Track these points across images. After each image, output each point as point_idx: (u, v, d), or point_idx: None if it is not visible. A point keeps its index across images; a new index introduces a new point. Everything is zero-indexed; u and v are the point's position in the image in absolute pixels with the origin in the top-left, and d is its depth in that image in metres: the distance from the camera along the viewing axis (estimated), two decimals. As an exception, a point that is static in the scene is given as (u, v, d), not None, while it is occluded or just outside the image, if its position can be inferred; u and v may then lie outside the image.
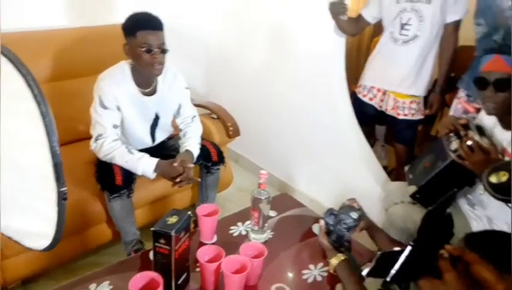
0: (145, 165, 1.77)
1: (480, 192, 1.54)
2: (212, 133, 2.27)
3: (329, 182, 2.46)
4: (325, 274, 1.39)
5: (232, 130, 2.31)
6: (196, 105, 2.12)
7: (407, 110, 2.20)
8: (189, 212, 1.28)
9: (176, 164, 1.77)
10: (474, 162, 1.44)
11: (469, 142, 1.46)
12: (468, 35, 1.91)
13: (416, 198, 1.69)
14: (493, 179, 1.27)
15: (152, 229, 1.19)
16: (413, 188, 1.69)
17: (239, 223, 1.63)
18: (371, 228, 1.36)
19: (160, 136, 2.04)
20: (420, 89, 2.16)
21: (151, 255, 1.32)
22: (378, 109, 2.29)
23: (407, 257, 0.74)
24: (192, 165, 1.84)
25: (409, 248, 0.74)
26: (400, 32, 2.09)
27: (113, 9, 2.46)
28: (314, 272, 1.41)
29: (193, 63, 2.95)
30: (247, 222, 1.61)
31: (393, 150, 2.47)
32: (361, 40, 3.36)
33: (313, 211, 1.78)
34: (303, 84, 2.44)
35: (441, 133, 1.64)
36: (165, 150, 2.02)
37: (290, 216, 1.72)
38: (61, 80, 2.16)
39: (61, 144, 0.81)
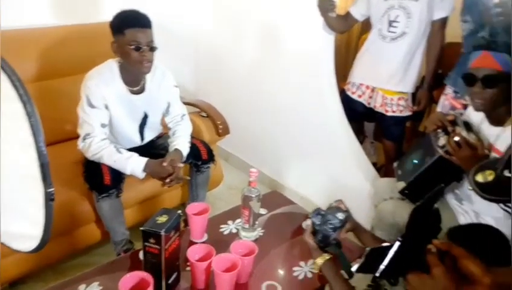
0: (134, 165, 1.76)
1: (468, 187, 1.56)
2: (202, 132, 2.26)
3: (319, 179, 2.47)
4: (316, 271, 1.39)
5: (221, 128, 2.31)
6: (185, 103, 2.11)
7: (396, 107, 2.21)
8: (179, 211, 1.27)
9: (165, 164, 1.76)
10: (461, 158, 1.46)
11: (456, 138, 1.47)
12: (455, 32, 1.93)
13: (405, 194, 1.71)
14: (479, 178, 1.27)
15: (141, 228, 1.19)
16: (402, 184, 1.70)
17: (229, 222, 1.63)
18: (357, 229, 1.37)
19: (149, 135, 2.03)
20: (408, 85, 2.18)
21: (141, 255, 1.31)
22: (367, 106, 2.31)
23: (396, 253, 0.75)
24: (181, 165, 1.83)
25: (397, 244, 0.74)
26: (388, 30, 2.10)
27: (101, 7, 2.43)
28: (305, 269, 1.42)
29: (182, 61, 2.94)
30: (238, 220, 1.61)
31: (382, 146, 2.49)
32: (349, 37, 3.38)
33: (303, 209, 1.78)
34: (292, 81, 2.44)
35: (429, 129, 1.66)
36: (154, 149, 2.01)
37: (281, 214, 1.72)
38: (48, 79, 2.13)
39: (48, 144, 0.80)
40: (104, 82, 1.73)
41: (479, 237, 1.27)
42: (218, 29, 2.81)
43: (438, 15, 2.03)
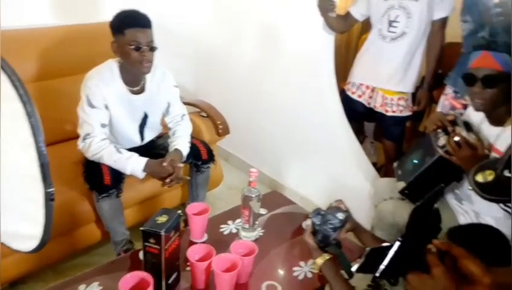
0: (134, 165, 1.76)
1: (468, 187, 1.56)
2: (202, 132, 2.26)
3: (319, 179, 2.47)
4: (316, 271, 1.39)
5: (221, 128, 2.31)
6: (185, 103, 2.11)
7: (396, 107, 2.21)
8: (179, 211, 1.27)
9: (165, 164, 1.76)
10: (461, 158, 1.46)
11: (456, 138, 1.47)
12: (455, 32, 1.93)
13: (405, 194, 1.71)
14: (479, 178, 1.27)
15: (141, 228, 1.19)
16: (402, 184, 1.70)
17: (229, 222, 1.63)
18: (357, 229, 1.37)
19: (149, 135, 2.03)
20: (408, 85, 2.18)
21: (141, 255, 1.31)
22: (367, 106, 2.31)
23: (396, 253, 0.75)
24: (181, 165, 1.83)
25: (397, 244, 0.74)
26: (388, 30, 2.10)
27: (101, 7, 2.43)
28: (305, 269, 1.42)
29: (182, 61, 2.94)
30: (238, 220, 1.61)
31: (382, 146, 2.49)
32: (349, 37, 3.37)
33: (303, 209, 1.78)
34: (292, 81, 2.44)
35: (429, 129, 1.66)
36: (154, 149, 2.01)
37: (281, 214, 1.72)
38: (48, 79, 2.13)
39: (48, 144, 0.80)
40: (104, 82, 1.73)
41: (479, 237, 1.26)
42: (218, 29, 2.81)
43: (438, 15, 2.03)
